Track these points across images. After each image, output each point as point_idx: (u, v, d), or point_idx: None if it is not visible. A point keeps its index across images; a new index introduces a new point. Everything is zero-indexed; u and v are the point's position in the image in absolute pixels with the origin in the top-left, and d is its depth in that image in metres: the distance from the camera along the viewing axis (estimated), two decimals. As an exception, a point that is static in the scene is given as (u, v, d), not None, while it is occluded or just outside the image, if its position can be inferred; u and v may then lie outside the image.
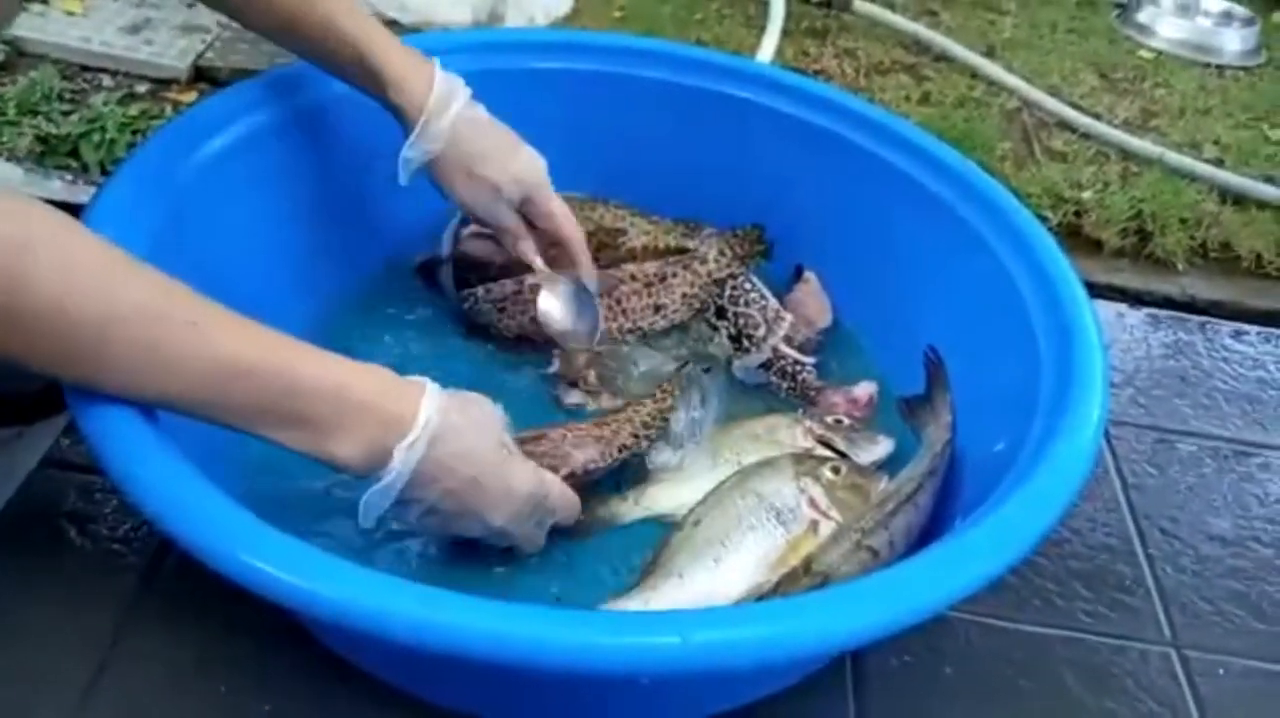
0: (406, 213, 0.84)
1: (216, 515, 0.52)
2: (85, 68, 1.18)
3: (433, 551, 0.68)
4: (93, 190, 0.68)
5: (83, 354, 0.52)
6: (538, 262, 0.79)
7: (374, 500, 0.58)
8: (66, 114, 1.10)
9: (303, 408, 0.55)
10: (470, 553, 0.67)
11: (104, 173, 1.05)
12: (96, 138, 1.07)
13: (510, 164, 0.76)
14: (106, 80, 1.17)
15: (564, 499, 0.66)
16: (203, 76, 1.19)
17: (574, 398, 0.80)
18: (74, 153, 1.06)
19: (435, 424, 0.57)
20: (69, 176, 1.03)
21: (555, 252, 0.80)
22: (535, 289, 0.80)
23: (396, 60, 0.72)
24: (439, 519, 0.61)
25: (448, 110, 0.73)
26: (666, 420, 0.75)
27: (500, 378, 0.81)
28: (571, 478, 0.68)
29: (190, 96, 1.16)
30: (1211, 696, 0.71)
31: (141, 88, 1.17)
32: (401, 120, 0.74)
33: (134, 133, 1.08)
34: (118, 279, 0.52)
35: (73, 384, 0.54)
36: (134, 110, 1.12)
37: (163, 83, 1.18)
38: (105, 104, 1.11)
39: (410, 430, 0.57)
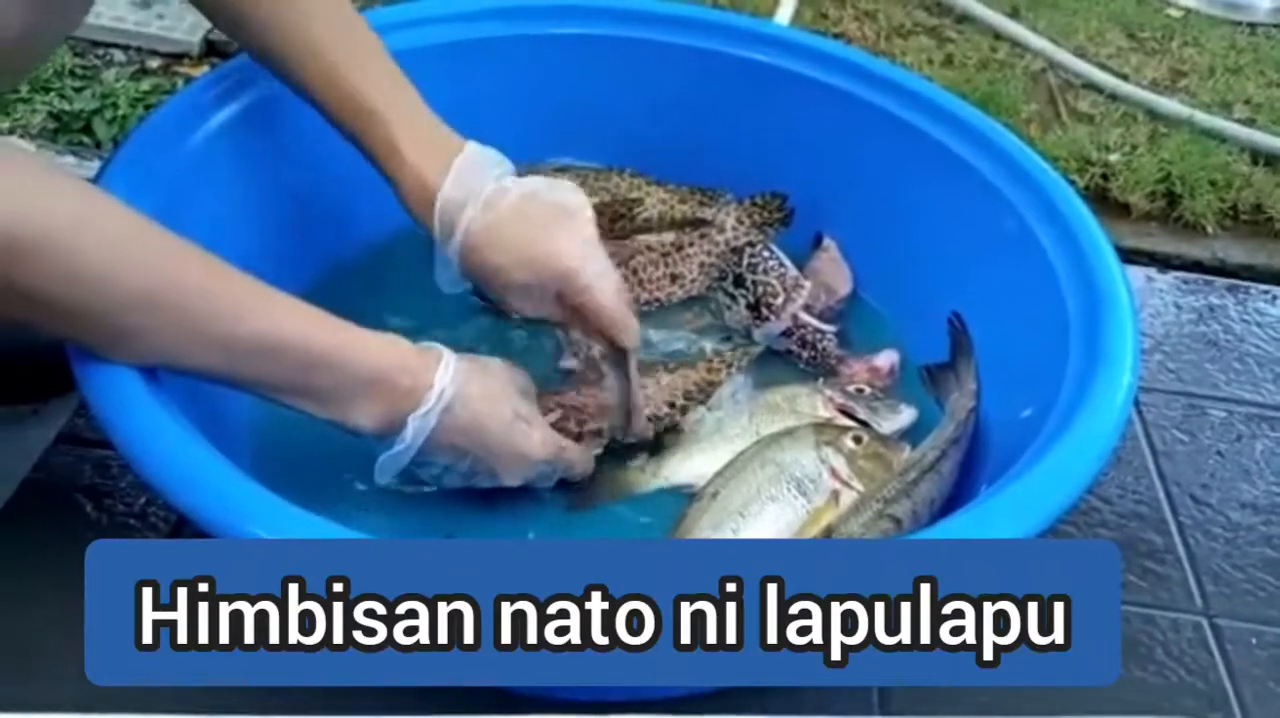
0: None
1: (228, 492, 0.52)
2: (97, 43, 1.18)
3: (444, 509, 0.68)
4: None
5: (120, 329, 0.53)
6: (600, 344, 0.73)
7: (388, 464, 0.61)
8: (79, 90, 1.10)
9: (324, 382, 0.57)
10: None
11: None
12: (109, 114, 1.07)
13: (530, 266, 0.67)
14: (119, 56, 1.17)
15: (581, 457, 0.68)
16: (214, 51, 1.19)
17: (571, 363, 0.79)
18: (87, 129, 1.06)
19: (449, 395, 0.59)
20: (82, 153, 1.03)
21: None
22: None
23: (411, 165, 0.67)
24: (456, 477, 0.64)
25: (453, 236, 0.67)
26: (706, 394, 0.74)
27: (503, 337, 0.81)
28: (596, 434, 0.69)
29: (202, 70, 1.16)
30: (1244, 665, 0.70)
31: (153, 63, 1.17)
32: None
33: (146, 108, 1.08)
34: (162, 255, 0.53)
35: (96, 353, 0.54)
36: (146, 85, 1.11)
37: (174, 57, 1.17)
38: (117, 80, 1.11)
39: (423, 403, 0.59)
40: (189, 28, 1.18)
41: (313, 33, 0.67)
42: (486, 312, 0.83)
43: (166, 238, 0.54)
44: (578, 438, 0.69)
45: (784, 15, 1.28)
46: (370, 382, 0.58)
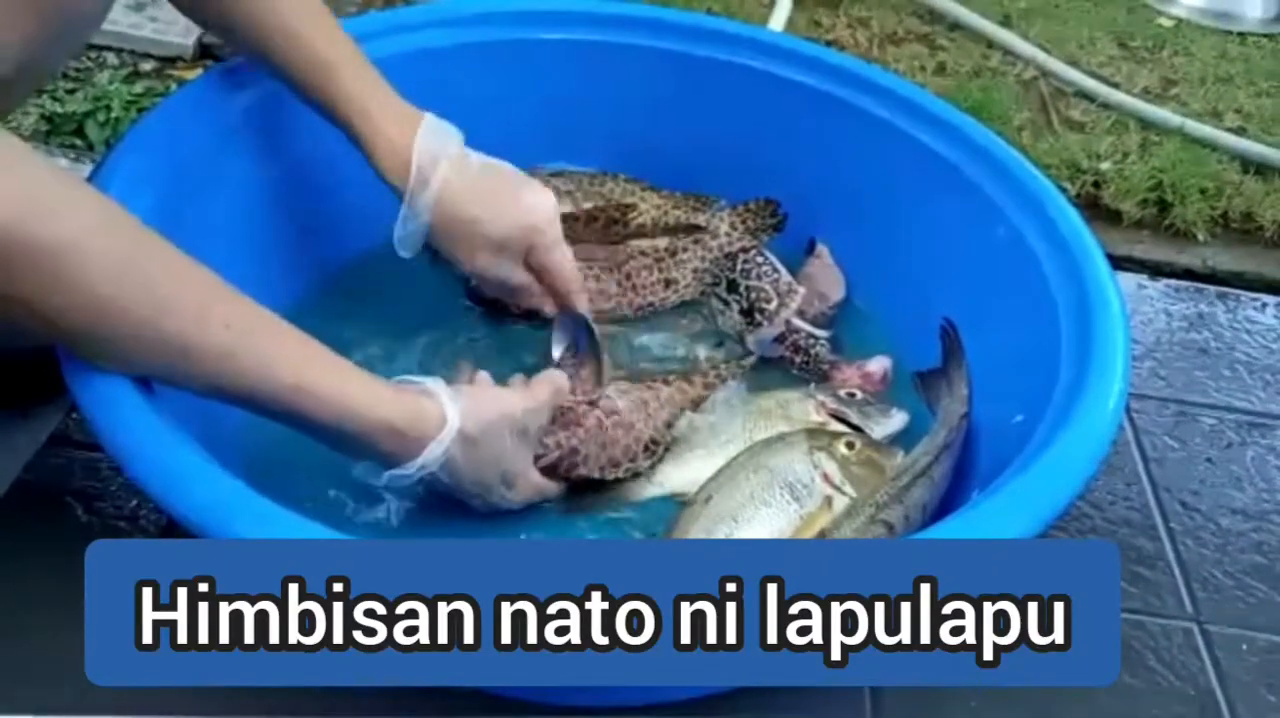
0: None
1: (219, 495, 0.51)
2: (90, 45, 1.17)
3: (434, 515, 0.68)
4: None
5: (119, 351, 0.52)
6: (549, 310, 0.77)
7: (363, 476, 0.62)
8: (71, 92, 1.09)
9: (317, 429, 0.57)
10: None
11: (109, 151, 1.04)
12: (102, 116, 1.06)
13: (506, 218, 0.71)
14: (111, 58, 1.16)
15: (557, 492, 0.69)
16: (208, 54, 1.18)
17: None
18: (79, 131, 1.06)
19: (433, 467, 0.59)
20: (74, 155, 1.03)
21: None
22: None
23: (379, 123, 0.68)
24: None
25: (428, 186, 0.69)
26: (698, 404, 0.75)
27: (499, 336, 0.81)
28: (582, 478, 0.69)
29: (195, 74, 1.15)
30: (1234, 671, 0.70)
31: (147, 65, 1.16)
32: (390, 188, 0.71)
33: (139, 111, 1.07)
34: (164, 277, 0.52)
35: (98, 366, 0.54)
36: (139, 88, 1.11)
37: (168, 60, 1.17)
38: (110, 82, 1.11)
39: (404, 467, 0.59)
40: (183, 31, 1.18)
41: (278, 10, 0.68)
42: (481, 313, 0.83)
43: (174, 258, 0.53)
44: (565, 479, 0.69)
45: (777, 22, 1.28)
46: (364, 439, 0.58)
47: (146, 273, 0.51)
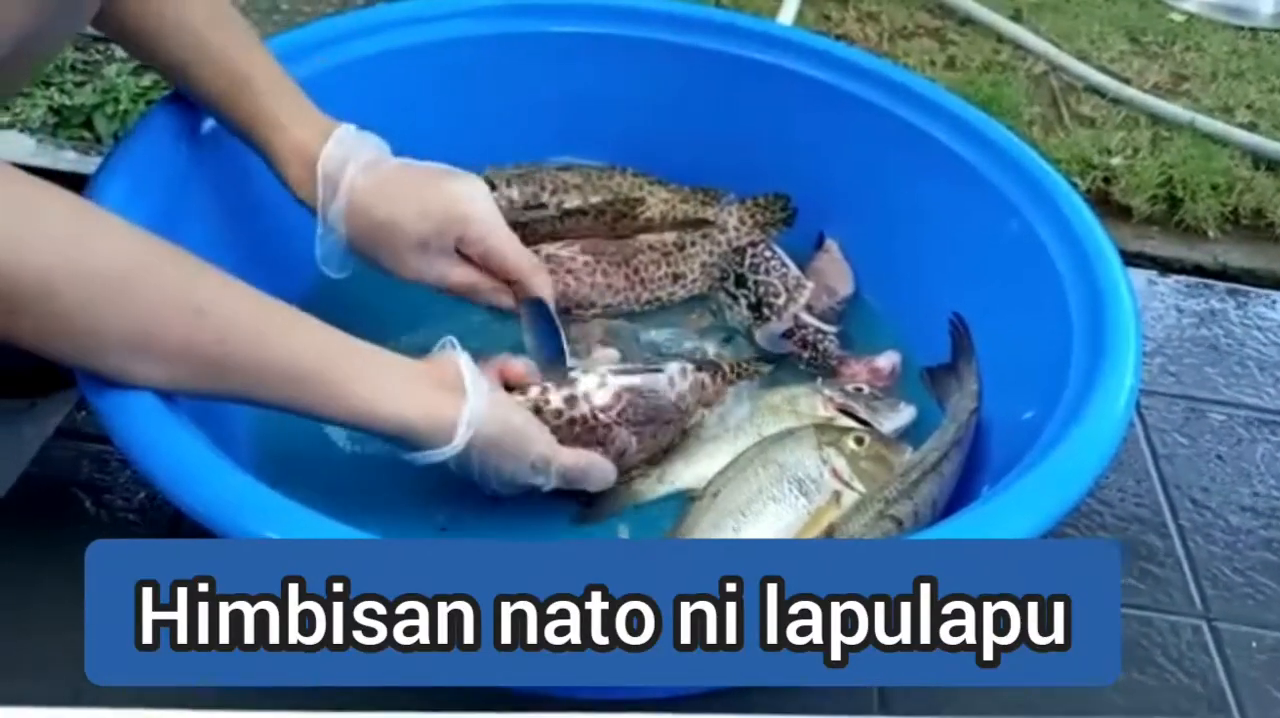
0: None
1: (227, 488, 0.51)
2: (98, 38, 1.17)
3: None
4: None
5: (124, 368, 0.52)
6: (507, 303, 0.71)
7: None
8: (80, 85, 1.09)
9: (333, 418, 0.56)
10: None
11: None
12: (110, 109, 1.06)
13: (426, 213, 0.64)
14: (120, 51, 1.16)
15: (592, 473, 0.66)
16: (216, 47, 1.18)
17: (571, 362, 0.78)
18: (87, 124, 1.06)
19: (456, 451, 0.58)
20: (82, 148, 1.03)
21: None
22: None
23: (290, 136, 0.64)
24: None
25: (337, 194, 0.64)
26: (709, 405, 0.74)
27: (502, 333, 0.78)
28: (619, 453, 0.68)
29: (204, 67, 1.15)
30: (1243, 669, 0.70)
31: (155, 58, 1.16)
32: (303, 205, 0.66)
33: (147, 103, 1.07)
34: (148, 294, 0.51)
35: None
36: (147, 81, 1.11)
37: (176, 53, 1.17)
38: (119, 75, 1.11)
39: (432, 452, 0.58)
40: (191, 23, 1.18)
41: (188, 16, 0.65)
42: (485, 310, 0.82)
43: (157, 267, 0.52)
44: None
45: (787, 16, 1.28)
46: (385, 429, 0.57)
47: (129, 295, 0.50)
